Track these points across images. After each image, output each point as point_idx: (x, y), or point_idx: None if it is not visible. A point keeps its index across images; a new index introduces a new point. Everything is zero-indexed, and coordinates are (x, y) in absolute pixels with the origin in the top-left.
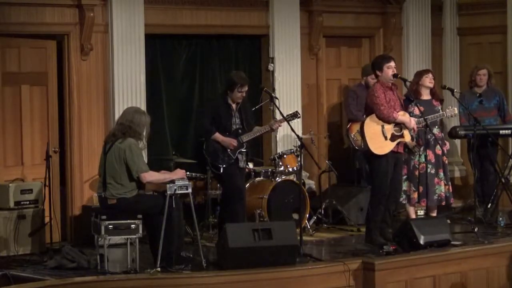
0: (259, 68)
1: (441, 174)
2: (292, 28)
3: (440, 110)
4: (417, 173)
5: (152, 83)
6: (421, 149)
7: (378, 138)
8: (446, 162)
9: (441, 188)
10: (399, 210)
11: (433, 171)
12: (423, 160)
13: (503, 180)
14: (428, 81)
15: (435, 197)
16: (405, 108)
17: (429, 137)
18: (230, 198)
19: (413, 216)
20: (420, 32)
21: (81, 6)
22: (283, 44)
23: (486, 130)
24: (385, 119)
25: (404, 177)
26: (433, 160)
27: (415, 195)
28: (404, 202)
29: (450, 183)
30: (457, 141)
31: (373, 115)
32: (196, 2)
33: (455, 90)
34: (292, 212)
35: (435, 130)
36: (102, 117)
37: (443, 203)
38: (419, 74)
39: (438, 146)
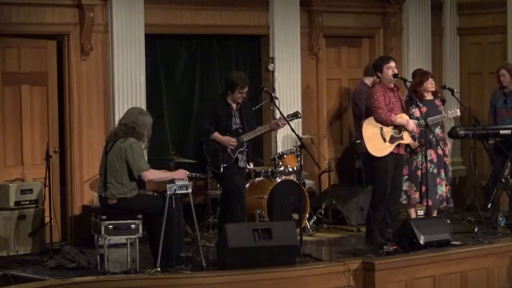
0: (259, 68)
1: (443, 174)
2: (292, 28)
3: (442, 110)
4: (419, 173)
5: (152, 83)
6: (423, 149)
7: (376, 140)
8: (448, 162)
9: (443, 188)
10: (399, 210)
11: (435, 171)
12: (425, 160)
13: (503, 180)
14: (430, 86)
15: (437, 197)
16: (406, 109)
17: (431, 137)
18: (230, 198)
19: (414, 216)
20: (420, 32)
21: (81, 6)
22: (283, 44)
23: (486, 130)
24: (383, 122)
25: (405, 177)
26: (435, 160)
27: (416, 195)
28: (404, 202)
29: (449, 184)
30: (457, 141)
31: (372, 118)
32: (196, 2)
33: (455, 90)
34: (292, 212)
35: (437, 130)
36: (102, 117)
37: (444, 204)
38: (419, 81)
39: (440, 146)
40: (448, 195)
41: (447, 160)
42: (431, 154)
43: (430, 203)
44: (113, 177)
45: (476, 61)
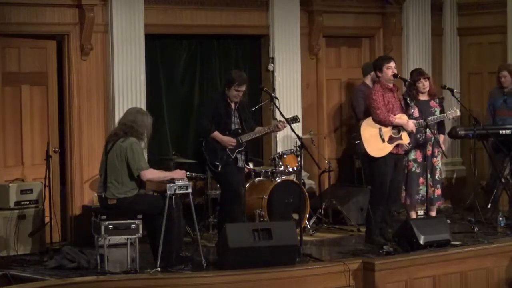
0: (259, 68)
1: (428, 175)
2: (292, 28)
3: (437, 111)
4: (406, 171)
5: (152, 83)
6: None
7: (375, 141)
8: (436, 164)
9: (424, 189)
10: (399, 210)
11: (418, 171)
12: (410, 158)
13: (503, 180)
14: (421, 87)
15: (417, 197)
16: (405, 109)
17: (418, 136)
18: (228, 198)
19: (414, 216)
20: (420, 32)
21: (81, 6)
22: (283, 44)
23: (486, 130)
24: (381, 123)
25: None
26: (419, 160)
27: (404, 194)
28: (402, 201)
29: (439, 186)
30: (457, 141)
31: (370, 118)
32: (196, 2)
33: (455, 90)
34: (292, 212)
35: (428, 131)
36: (102, 117)
37: (425, 204)
38: (412, 81)
39: (428, 147)
40: (432, 197)
41: (436, 161)
42: (416, 154)
43: (408, 202)
44: (113, 177)
45: (476, 61)
